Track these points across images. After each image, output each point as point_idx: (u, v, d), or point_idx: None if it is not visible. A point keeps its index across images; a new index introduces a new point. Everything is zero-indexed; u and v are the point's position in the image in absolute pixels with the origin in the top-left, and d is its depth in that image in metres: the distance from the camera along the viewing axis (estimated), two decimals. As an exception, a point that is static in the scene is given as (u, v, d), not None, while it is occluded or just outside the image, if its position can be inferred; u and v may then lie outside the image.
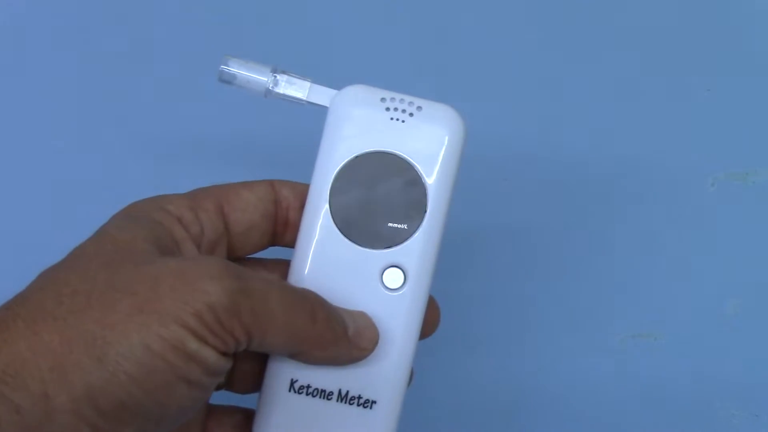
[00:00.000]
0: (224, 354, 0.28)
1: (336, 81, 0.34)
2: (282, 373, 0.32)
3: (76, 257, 0.29)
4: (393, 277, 0.32)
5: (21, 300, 0.28)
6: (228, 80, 0.34)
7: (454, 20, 0.50)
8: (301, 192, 0.33)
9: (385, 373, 0.32)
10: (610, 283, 0.47)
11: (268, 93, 0.34)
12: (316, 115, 0.33)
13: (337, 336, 0.31)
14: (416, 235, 0.32)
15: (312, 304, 0.30)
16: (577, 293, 0.47)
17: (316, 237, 0.32)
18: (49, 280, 0.28)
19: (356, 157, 0.33)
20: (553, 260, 0.47)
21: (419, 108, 0.33)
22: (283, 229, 0.34)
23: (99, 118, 0.48)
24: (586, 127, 0.49)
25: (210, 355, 0.27)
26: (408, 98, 0.33)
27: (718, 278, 0.47)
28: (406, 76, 0.47)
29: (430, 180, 0.33)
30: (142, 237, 0.30)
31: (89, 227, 0.30)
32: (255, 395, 0.33)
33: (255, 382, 0.34)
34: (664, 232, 0.48)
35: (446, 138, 0.33)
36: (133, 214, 0.31)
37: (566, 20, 0.50)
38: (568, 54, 0.50)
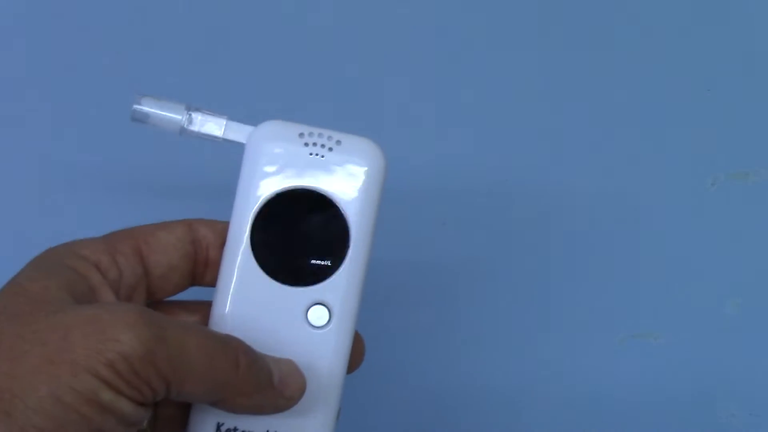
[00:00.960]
0: (141, 404, 0.27)
1: (253, 117, 0.33)
2: (207, 417, 0.31)
3: None
4: (318, 315, 0.32)
5: None
6: (141, 119, 0.33)
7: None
8: (221, 230, 0.33)
9: (314, 412, 0.32)
10: (610, 283, 0.47)
11: (183, 131, 0.33)
12: (233, 150, 0.33)
13: (261, 384, 0.30)
14: (340, 270, 0.32)
15: (234, 350, 0.29)
16: (577, 293, 0.47)
17: (237, 277, 0.32)
18: None
19: (276, 194, 0.32)
20: (553, 260, 0.47)
21: (338, 142, 0.32)
22: (203, 268, 0.33)
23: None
24: (587, 125, 0.49)
25: (125, 405, 0.26)
26: (327, 132, 0.32)
27: (718, 278, 0.47)
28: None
29: (352, 215, 0.32)
30: (56, 286, 0.28)
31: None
32: None
33: (179, 428, 0.33)
34: (664, 232, 0.48)
35: (366, 171, 0.32)
36: (46, 262, 0.30)
37: (565, 19, 0.50)
38: (564, 54, 0.50)
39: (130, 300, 0.32)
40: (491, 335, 0.47)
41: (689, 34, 0.50)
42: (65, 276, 0.29)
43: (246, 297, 0.32)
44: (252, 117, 0.33)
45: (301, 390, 0.31)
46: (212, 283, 0.33)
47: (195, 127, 0.33)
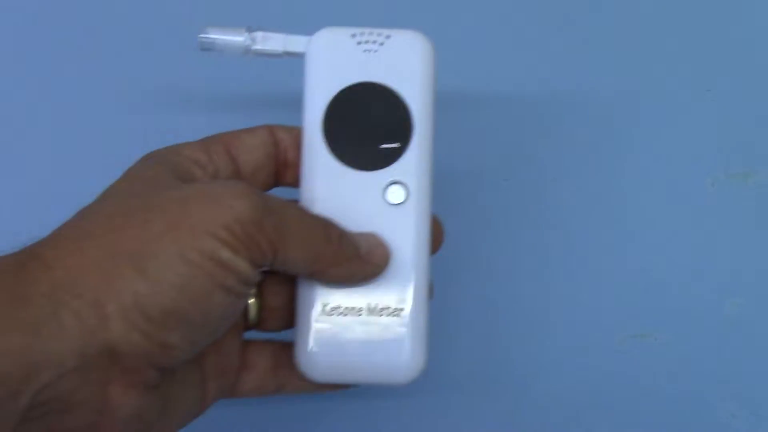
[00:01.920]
0: (253, 264, 0.30)
1: (308, 30, 0.36)
2: (312, 298, 0.35)
3: (108, 194, 0.32)
4: (395, 193, 0.35)
5: (64, 226, 0.30)
6: (208, 47, 0.36)
7: None
8: (296, 134, 0.36)
9: (406, 281, 0.35)
10: (610, 283, 0.47)
11: (247, 51, 0.36)
12: (294, 66, 0.36)
13: (350, 254, 0.33)
14: (409, 150, 0.35)
15: (325, 225, 0.33)
16: (577, 293, 0.47)
17: (317, 171, 0.35)
18: (87, 210, 0.31)
19: (340, 91, 0.35)
20: (552, 260, 0.47)
21: (388, 37, 0.36)
22: (284, 169, 0.37)
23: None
24: (586, 125, 0.49)
25: (242, 264, 0.30)
26: (376, 30, 0.36)
27: (718, 278, 0.47)
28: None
29: (411, 99, 0.35)
30: (166, 172, 0.32)
31: (86, 187, 0.32)
32: (287, 332, 0.36)
33: (284, 320, 0.37)
34: (664, 231, 0.48)
35: (417, 59, 0.36)
36: (153, 158, 0.34)
37: (564, 18, 0.50)
38: (563, 56, 0.50)
39: None
40: (489, 335, 0.47)
41: (689, 33, 0.50)
42: (173, 166, 0.33)
43: (328, 188, 0.35)
44: (307, 31, 0.36)
45: (386, 258, 0.35)
46: (293, 183, 0.36)
47: (258, 46, 0.36)
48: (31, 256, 0.28)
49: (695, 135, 0.49)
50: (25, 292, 0.27)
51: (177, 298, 0.28)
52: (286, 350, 0.36)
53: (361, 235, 0.34)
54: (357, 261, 0.34)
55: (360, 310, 0.35)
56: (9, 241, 0.30)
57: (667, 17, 0.50)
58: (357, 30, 0.36)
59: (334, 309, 0.35)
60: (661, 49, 0.50)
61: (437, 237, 0.37)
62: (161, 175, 0.32)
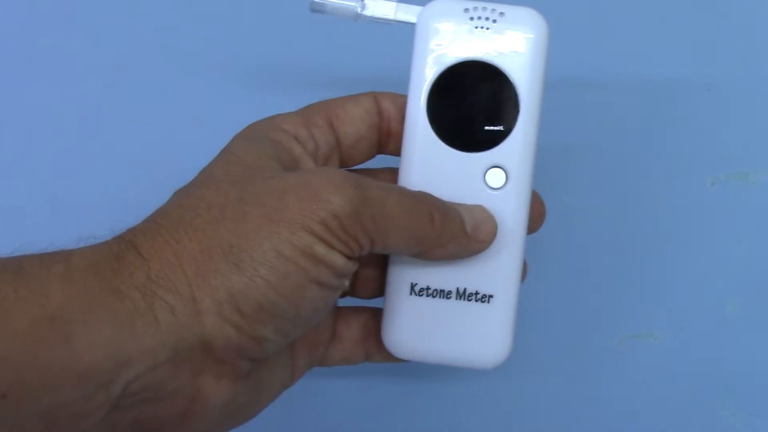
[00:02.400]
0: (349, 258, 0.30)
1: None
2: (402, 277, 0.34)
3: (207, 177, 0.32)
4: (495, 177, 0.34)
5: (162, 213, 0.30)
6: (319, 9, 0.36)
7: None
8: (401, 104, 0.35)
9: (499, 267, 0.34)
10: (610, 282, 0.47)
11: (357, 17, 0.35)
12: (405, 33, 0.35)
13: (455, 233, 0.33)
14: (513, 134, 0.34)
15: (428, 206, 0.32)
16: (577, 293, 0.47)
17: (418, 148, 0.34)
18: (184, 196, 0.31)
19: (447, 67, 0.34)
20: (552, 259, 0.47)
21: (502, 14, 0.34)
22: (387, 139, 0.36)
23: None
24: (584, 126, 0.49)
25: (337, 259, 0.29)
26: (490, 5, 0.34)
27: (718, 278, 0.47)
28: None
29: (520, 81, 0.34)
30: (266, 155, 0.32)
31: (193, 159, 0.32)
32: (378, 299, 0.36)
33: (377, 287, 0.36)
34: (664, 231, 0.48)
35: (531, 39, 0.34)
36: (253, 136, 0.33)
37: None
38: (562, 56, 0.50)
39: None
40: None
41: (689, 33, 0.50)
42: (272, 147, 0.33)
43: (427, 166, 0.34)
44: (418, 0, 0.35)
45: (492, 234, 0.34)
46: (396, 152, 0.35)
47: (368, 12, 0.36)
48: (128, 247, 0.29)
49: (695, 135, 0.49)
50: (121, 285, 0.27)
51: (270, 293, 0.28)
52: (376, 319, 0.36)
53: (467, 208, 0.34)
54: (462, 239, 0.33)
55: (449, 293, 0.34)
56: (108, 227, 0.30)
57: (667, 17, 0.50)
58: (470, 3, 0.34)
59: (423, 290, 0.34)
60: (662, 48, 0.50)
61: (537, 216, 0.36)
62: (261, 160, 0.32)
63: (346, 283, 0.32)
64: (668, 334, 0.47)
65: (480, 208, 0.34)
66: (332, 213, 0.29)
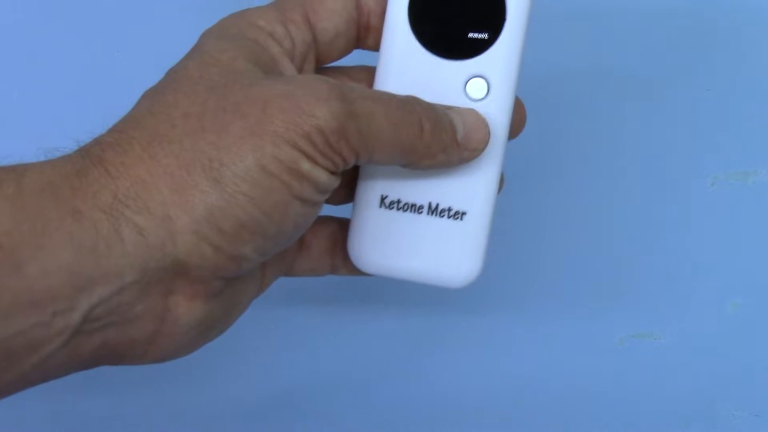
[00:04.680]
0: (333, 173, 0.29)
1: None
2: (372, 189, 0.33)
3: (181, 79, 0.29)
4: (476, 87, 0.32)
5: (132, 123, 0.28)
6: None
7: None
8: None
9: (475, 183, 0.33)
10: (611, 282, 0.47)
11: None
12: None
13: (445, 144, 0.31)
14: (497, 43, 0.32)
15: (418, 115, 0.30)
16: (577, 293, 0.47)
17: (397, 51, 0.33)
18: (157, 102, 0.28)
19: None
20: (553, 258, 0.47)
21: None
22: (366, 33, 0.34)
23: None
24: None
25: (321, 175, 0.28)
26: None
27: (718, 278, 0.47)
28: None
29: None
30: (243, 57, 0.30)
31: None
32: (348, 205, 0.34)
33: (347, 194, 0.34)
34: (664, 231, 0.48)
35: None
36: (226, 34, 0.31)
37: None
38: (563, 53, 0.50)
39: (302, 67, 0.33)
40: (489, 335, 0.47)
41: (689, 33, 0.50)
42: (249, 47, 0.30)
43: (407, 72, 0.32)
44: None
45: (485, 140, 0.32)
46: (374, 47, 0.34)
47: None
48: (93, 163, 0.27)
49: (695, 135, 0.49)
50: (82, 205, 0.26)
51: (253, 210, 0.27)
52: (344, 230, 0.34)
53: (459, 112, 0.32)
54: (453, 149, 0.31)
55: (420, 207, 0.33)
56: (74, 136, 0.28)
57: (666, 17, 0.50)
58: None
59: (393, 203, 0.33)
60: (661, 48, 0.50)
61: (519, 122, 0.34)
62: (238, 62, 0.30)
63: (327, 197, 0.30)
64: (668, 334, 0.47)
65: (472, 113, 0.32)
66: (317, 128, 0.27)
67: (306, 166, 0.28)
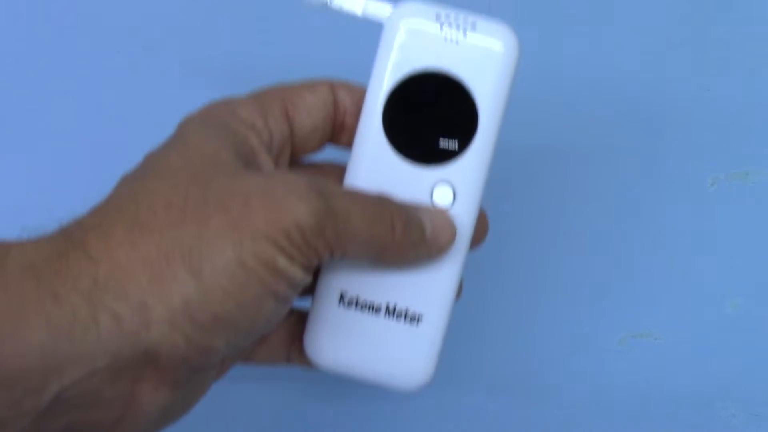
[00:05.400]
0: (307, 269, 0.29)
1: None
2: (332, 285, 0.33)
3: (163, 168, 0.30)
4: (443, 194, 0.33)
5: (114, 208, 0.28)
6: None
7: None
8: (358, 98, 0.34)
9: (434, 287, 0.33)
10: (611, 282, 0.47)
11: (324, 6, 0.34)
12: (371, 32, 0.34)
13: (415, 242, 0.32)
14: (466, 153, 0.33)
15: (390, 214, 0.31)
16: (577, 293, 0.47)
17: (369, 152, 0.33)
18: (139, 190, 0.29)
19: (409, 74, 0.33)
20: (553, 259, 0.47)
21: (473, 25, 0.32)
22: (340, 130, 0.35)
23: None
24: (586, 128, 0.49)
25: (296, 272, 0.28)
26: (463, 15, 0.33)
27: (718, 278, 0.47)
28: None
29: (482, 99, 0.33)
30: (226, 147, 0.30)
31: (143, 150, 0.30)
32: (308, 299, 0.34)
33: (310, 288, 0.34)
34: (664, 231, 0.48)
35: (500, 57, 0.32)
36: (209, 122, 0.32)
37: (563, 16, 0.50)
38: (564, 54, 0.50)
39: (278, 160, 0.34)
40: (488, 335, 0.47)
41: (689, 33, 0.50)
42: (231, 138, 0.31)
43: (377, 172, 0.33)
44: None
45: (451, 240, 0.33)
46: (347, 144, 0.34)
47: (336, 3, 0.34)
48: (75, 246, 0.27)
49: (695, 135, 0.49)
50: (62, 288, 0.26)
51: (228, 304, 0.27)
52: (302, 323, 0.35)
53: (429, 212, 0.32)
54: (421, 246, 0.32)
55: (378, 308, 0.33)
56: (57, 215, 0.28)
57: (667, 17, 0.50)
58: (443, 10, 0.32)
59: (351, 300, 0.33)
60: (661, 49, 0.50)
61: (480, 234, 0.35)
62: (221, 152, 0.30)
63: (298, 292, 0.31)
64: (668, 334, 0.47)
65: (440, 212, 0.33)
66: (296, 225, 0.28)
67: (282, 262, 0.28)
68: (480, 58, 0.32)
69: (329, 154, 0.36)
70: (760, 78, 0.49)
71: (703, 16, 0.50)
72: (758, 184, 0.48)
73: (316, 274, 0.34)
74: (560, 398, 0.46)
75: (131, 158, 0.31)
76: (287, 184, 0.29)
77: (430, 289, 0.33)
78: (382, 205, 0.31)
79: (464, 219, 0.33)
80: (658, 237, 0.48)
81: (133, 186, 0.29)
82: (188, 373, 0.29)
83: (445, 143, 0.33)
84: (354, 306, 0.33)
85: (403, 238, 0.31)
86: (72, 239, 0.27)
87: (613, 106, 0.49)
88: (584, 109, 0.49)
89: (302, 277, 0.29)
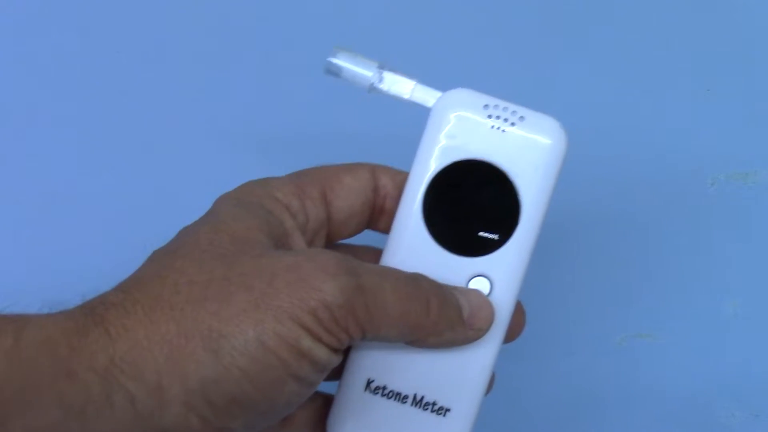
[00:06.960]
0: (335, 350, 0.28)
1: (442, 82, 0.33)
2: (359, 371, 0.32)
3: (191, 245, 0.29)
4: (479, 286, 0.32)
5: (138, 285, 0.28)
6: (334, 72, 0.34)
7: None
8: (400, 182, 0.33)
9: (464, 380, 0.32)
10: (611, 283, 0.47)
11: (372, 89, 0.34)
12: (418, 111, 0.33)
13: (451, 322, 0.30)
14: (506, 246, 0.32)
15: (426, 292, 0.30)
16: (577, 293, 0.47)
17: (407, 238, 0.32)
18: (164, 267, 0.28)
19: (453, 163, 0.32)
20: (553, 260, 0.47)
21: (522, 118, 0.32)
22: (379, 215, 0.34)
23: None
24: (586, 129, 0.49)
25: (322, 353, 0.27)
26: (512, 107, 0.32)
27: (718, 278, 0.47)
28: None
29: (526, 193, 0.32)
30: (257, 227, 0.30)
31: (186, 219, 0.30)
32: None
33: (337, 372, 0.33)
34: (664, 231, 0.48)
35: (547, 151, 0.32)
36: (244, 200, 0.31)
37: (564, 17, 0.50)
38: (565, 53, 0.50)
39: (312, 242, 0.33)
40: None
41: (689, 33, 0.50)
42: (264, 218, 0.30)
43: (413, 258, 0.32)
44: (441, 83, 0.33)
45: (489, 321, 0.31)
46: (385, 230, 0.33)
47: (384, 86, 0.34)
48: (96, 322, 0.26)
49: (695, 135, 0.49)
50: (78, 366, 0.25)
51: (246, 385, 0.26)
52: (327, 407, 0.33)
53: (465, 292, 0.31)
54: (459, 328, 0.31)
55: (405, 397, 0.32)
56: (80, 291, 0.28)
57: (667, 17, 0.50)
58: (492, 100, 0.32)
59: (379, 388, 0.32)
60: (661, 49, 0.50)
61: (516, 328, 0.33)
62: (251, 232, 0.29)
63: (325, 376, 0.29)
64: (668, 334, 0.47)
65: (477, 294, 0.32)
66: (323, 303, 0.27)
67: (307, 343, 0.27)
68: (527, 150, 0.32)
69: (367, 239, 0.35)
70: (760, 78, 0.49)
71: (704, 15, 0.50)
72: (758, 185, 0.48)
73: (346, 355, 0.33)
74: (560, 398, 0.46)
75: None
76: (314, 260, 0.28)
77: (460, 382, 0.32)
78: (416, 281, 0.30)
79: (500, 311, 0.32)
80: (659, 237, 0.48)
81: (161, 262, 0.29)
82: None
83: (485, 234, 0.32)
84: (381, 394, 0.32)
85: (439, 317, 0.30)
86: (93, 315, 0.27)
87: (614, 105, 0.49)
88: (582, 109, 0.49)
89: (328, 358, 0.28)
